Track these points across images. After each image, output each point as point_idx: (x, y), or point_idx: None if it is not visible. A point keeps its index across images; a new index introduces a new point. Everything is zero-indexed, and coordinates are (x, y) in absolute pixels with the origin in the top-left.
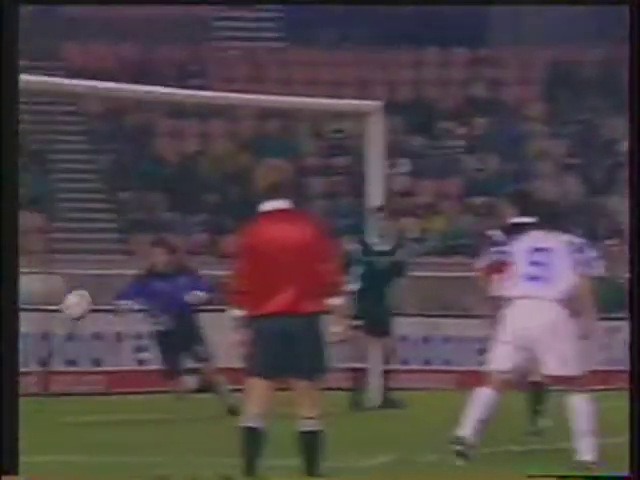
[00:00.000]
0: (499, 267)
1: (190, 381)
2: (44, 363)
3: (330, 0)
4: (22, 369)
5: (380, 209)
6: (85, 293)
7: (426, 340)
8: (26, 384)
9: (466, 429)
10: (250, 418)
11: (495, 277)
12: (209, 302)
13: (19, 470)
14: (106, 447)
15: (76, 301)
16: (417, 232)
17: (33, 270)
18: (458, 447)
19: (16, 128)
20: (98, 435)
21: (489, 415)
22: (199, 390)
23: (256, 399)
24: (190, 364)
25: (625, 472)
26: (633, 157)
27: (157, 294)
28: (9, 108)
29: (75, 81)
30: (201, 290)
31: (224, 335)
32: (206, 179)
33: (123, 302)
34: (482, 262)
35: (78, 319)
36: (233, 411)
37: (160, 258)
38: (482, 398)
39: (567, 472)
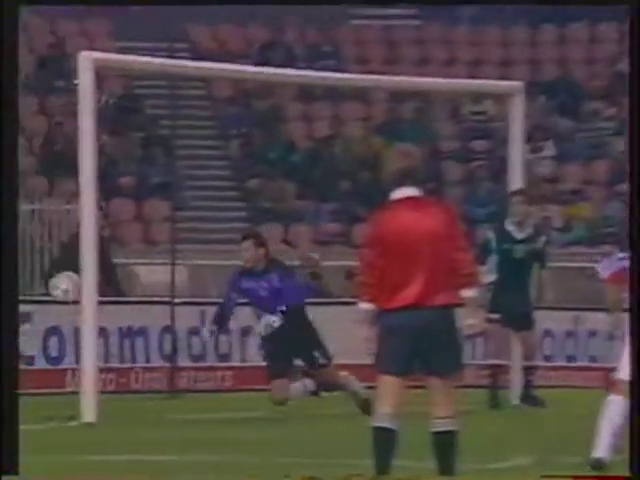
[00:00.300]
0: (625, 274)
1: (306, 385)
2: (170, 359)
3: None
4: (145, 365)
5: (517, 193)
6: (74, 275)
7: (570, 335)
8: (151, 380)
9: (602, 449)
10: (382, 418)
11: (622, 286)
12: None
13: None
14: (230, 445)
15: (66, 286)
16: (561, 220)
17: (157, 261)
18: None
19: (17, 129)
20: (222, 433)
21: (625, 424)
22: (316, 392)
23: (388, 398)
24: (306, 368)
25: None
26: (633, 157)
27: (249, 293)
28: (10, 108)
29: (203, 64)
30: (294, 291)
31: (353, 330)
32: (338, 165)
33: (205, 331)
34: (607, 270)
35: (70, 303)
36: (365, 408)
37: (248, 253)
38: (615, 407)
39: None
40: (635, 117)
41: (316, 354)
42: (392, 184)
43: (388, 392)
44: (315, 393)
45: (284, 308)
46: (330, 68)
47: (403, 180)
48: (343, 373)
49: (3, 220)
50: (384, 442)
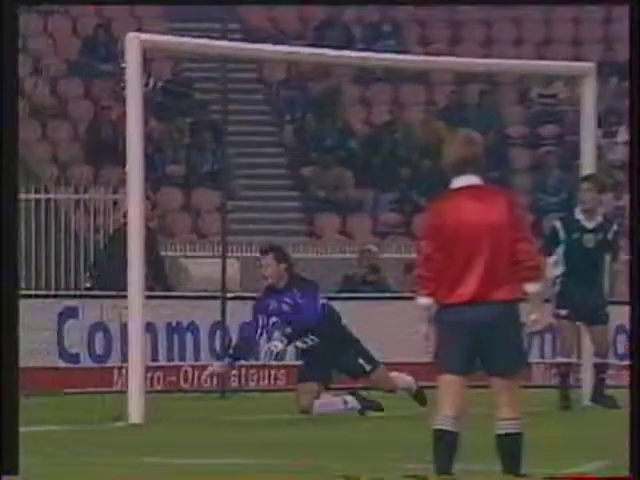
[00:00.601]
0: None
1: (347, 402)
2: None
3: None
4: (195, 363)
5: (586, 180)
6: None
7: None
8: (201, 379)
9: None
10: (443, 420)
11: None
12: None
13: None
14: (283, 447)
15: None
16: None
17: (207, 253)
18: None
19: (17, 133)
20: (275, 434)
21: None
22: (362, 412)
23: (449, 399)
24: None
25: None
26: (633, 157)
27: (274, 312)
28: (9, 110)
29: (255, 45)
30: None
31: (412, 326)
32: (398, 152)
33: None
34: None
35: None
36: (419, 399)
37: (269, 269)
38: None
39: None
40: (635, 116)
41: (361, 361)
42: (453, 172)
43: (449, 392)
44: (361, 412)
45: (289, 331)
46: (390, 49)
47: (464, 168)
48: (394, 373)
49: (3, 212)
50: (445, 445)
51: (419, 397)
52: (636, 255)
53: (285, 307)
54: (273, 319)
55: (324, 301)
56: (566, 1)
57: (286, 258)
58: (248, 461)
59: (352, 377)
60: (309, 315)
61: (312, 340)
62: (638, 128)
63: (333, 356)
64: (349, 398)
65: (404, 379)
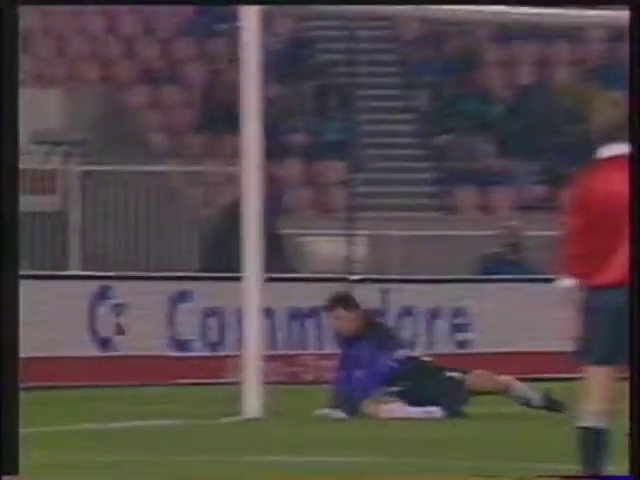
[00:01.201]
0: None
1: (429, 412)
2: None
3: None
4: (317, 351)
5: None
6: None
7: None
8: (324, 369)
9: None
10: (588, 416)
11: None
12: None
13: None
14: (409, 446)
15: None
16: None
17: (332, 231)
18: None
19: (17, 136)
20: (403, 432)
21: None
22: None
23: (595, 392)
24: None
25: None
26: (633, 157)
27: (356, 365)
28: (10, 112)
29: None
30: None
31: (546, 311)
32: (544, 118)
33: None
34: None
35: None
36: (551, 405)
37: (339, 322)
38: None
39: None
40: (635, 118)
41: (448, 374)
42: (602, 140)
43: (595, 385)
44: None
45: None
46: (534, 2)
47: (615, 135)
48: (505, 377)
49: (2, 187)
50: (593, 444)
51: (552, 404)
52: (636, 256)
53: (360, 357)
54: (358, 372)
55: (402, 352)
56: (565, 1)
57: (356, 305)
58: (378, 459)
59: (450, 393)
60: (383, 367)
61: (401, 386)
62: (638, 128)
63: (424, 395)
64: (433, 408)
65: (518, 385)
